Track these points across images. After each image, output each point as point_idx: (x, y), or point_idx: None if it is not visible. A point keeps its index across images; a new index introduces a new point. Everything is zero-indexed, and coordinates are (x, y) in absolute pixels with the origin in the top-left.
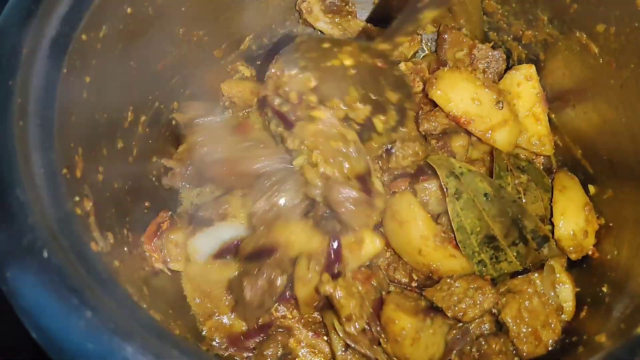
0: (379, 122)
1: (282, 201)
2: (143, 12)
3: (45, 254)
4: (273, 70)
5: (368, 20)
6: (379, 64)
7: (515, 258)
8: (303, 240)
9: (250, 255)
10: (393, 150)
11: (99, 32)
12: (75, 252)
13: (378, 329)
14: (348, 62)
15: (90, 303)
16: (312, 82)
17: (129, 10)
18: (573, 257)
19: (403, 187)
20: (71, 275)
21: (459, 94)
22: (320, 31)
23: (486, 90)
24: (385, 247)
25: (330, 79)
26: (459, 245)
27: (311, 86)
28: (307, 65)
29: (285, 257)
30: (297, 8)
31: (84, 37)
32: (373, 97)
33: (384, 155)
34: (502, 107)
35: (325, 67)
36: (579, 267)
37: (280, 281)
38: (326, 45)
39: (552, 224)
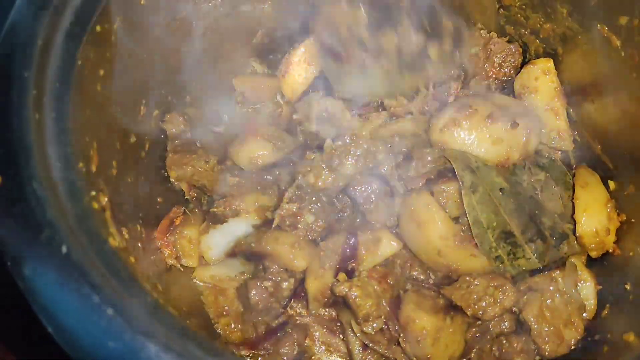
0: (433, 49)
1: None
2: (157, 4)
3: (65, 250)
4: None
5: None
6: None
7: (534, 255)
8: (287, 254)
9: (249, 256)
10: (413, 159)
11: (113, 24)
12: (94, 247)
13: (397, 328)
14: None
15: (112, 301)
16: (363, 16)
17: (142, 1)
18: (594, 254)
19: (420, 184)
20: (91, 272)
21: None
22: None
23: (497, 124)
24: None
25: (383, 10)
26: (475, 240)
27: (363, 19)
28: None
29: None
30: None
31: (98, 28)
32: (427, 26)
33: (401, 163)
34: (518, 123)
35: None
36: (599, 265)
37: (286, 285)
38: None
39: (574, 221)
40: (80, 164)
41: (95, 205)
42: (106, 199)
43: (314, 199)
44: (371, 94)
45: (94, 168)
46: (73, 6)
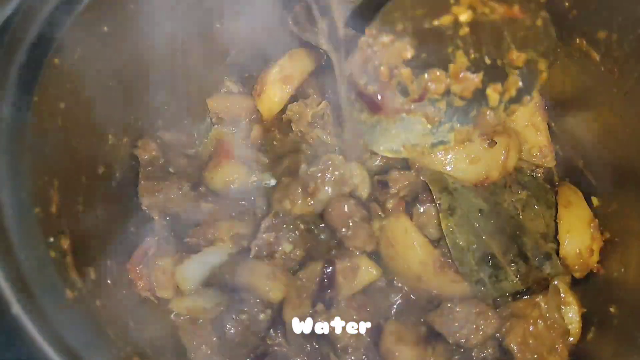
0: (494, 93)
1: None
2: (122, 29)
3: (15, 310)
4: (364, 37)
5: None
6: (516, 12)
7: (516, 277)
8: (263, 286)
9: (224, 287)
10: (389, 184)
11: (73, 54)
12: (48, 303)
13: (377, 359)
14: (464, 16)
15: None
16: (409, 52)
17: (105, 28)
18: (577, 275)
19: (400, 209)
20: (44, 334)
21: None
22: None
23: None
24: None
25: (433, 43)
26: (456, 263)
27: (407, 57)
28: (406, 27)
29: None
30: None
31: (56, 61)
32: (488, 62)
33: (378, 186)
34: (495, 142)
35: (429, 28)
36: (583, 285)
37: (263, 316)
38: None
39: (556, 241)
40: (37, 209)
41: (53, 254)
42: (68, 241)
43: (291, 227)
44: (410, 149)
45: (54, 210)
46: (28, 39)
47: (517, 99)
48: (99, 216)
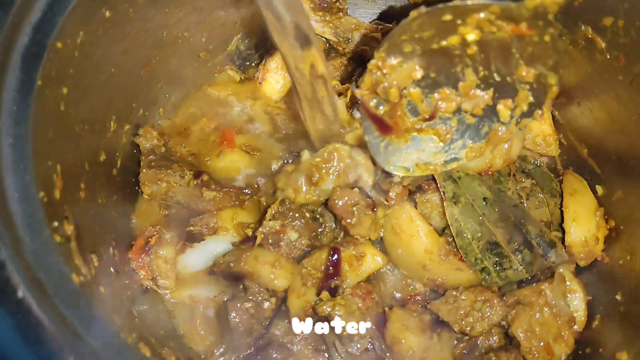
0: (504, 109)
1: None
2: (123, 15)
3: (20, 294)
4: (374, 61)
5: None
6: (523, 29)
7: (521, 265)
8: (268, 274)
9: (227, 276)
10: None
11: (75, 39)
12: (54, 288)
13: (383, 347)
14: (472, 36)
15: (71, 348)
16: (418, 72)
17: (107, 13)
18: (582, 263)
19: (405, 198)
20: (50, 317)
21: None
22: None
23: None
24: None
25: (442, 63)
26: (460, 252)
27: (416, 77)
28: (415, 49)
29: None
30: None
31: (59, 45)
32: (498, 79)
33: (383, 176)
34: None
35: (437, 49)
36: (587, 273)
37: (268, 305)
38: (448, 17)
39: (562, 229)
40: (42, 193)
41: (58, 238)
42: (72, 227)
43: (297, 215)
44: (422, 167)
45: (57, 195)
46: (31, 21)
47: (528, 114)
48: (101, 203)
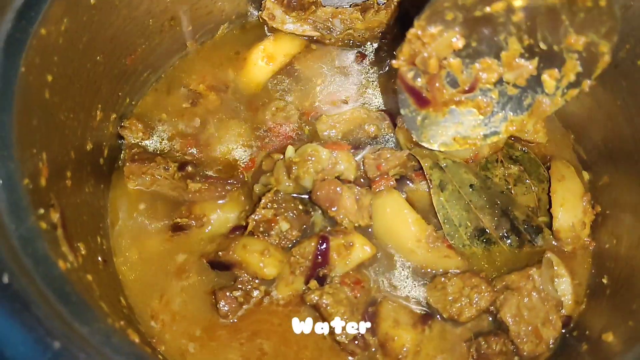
0: (550, 79)
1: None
2: (108, 3)
3: (6, 279)
4: (413, 30)
5: None
6: None
7: (509, 250)
8: (257, 262)
9: (216, 265)
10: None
11: (60, 26)
12: (40, 273)
13: (373, 337)
14: (519, 2)
15: (59, 332)
16: (459, 42)
17: (92, 0)
18: (569, 248)
19: (392, 184)
20: (36, 302)
21: None
22: (292, 33)
23: None
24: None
25: (484, 32)
26: (448, 239)
27: (457, 47)
28: (457, 17)
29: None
30: (261, 21)
31: (43, 31)
32: (544, 47)
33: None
34: None
35: (480, 16)
36: (574, 258)
37: (257, 293)
38: None
39: (549, 214)
40: (26, 180)
41: (44, 225)
42: (58, 214)
43: (292, 205)
44: (461, 141)
45: (43, 182)
46: (14, 7)
47: (575, 84)
48: (88, 192)
